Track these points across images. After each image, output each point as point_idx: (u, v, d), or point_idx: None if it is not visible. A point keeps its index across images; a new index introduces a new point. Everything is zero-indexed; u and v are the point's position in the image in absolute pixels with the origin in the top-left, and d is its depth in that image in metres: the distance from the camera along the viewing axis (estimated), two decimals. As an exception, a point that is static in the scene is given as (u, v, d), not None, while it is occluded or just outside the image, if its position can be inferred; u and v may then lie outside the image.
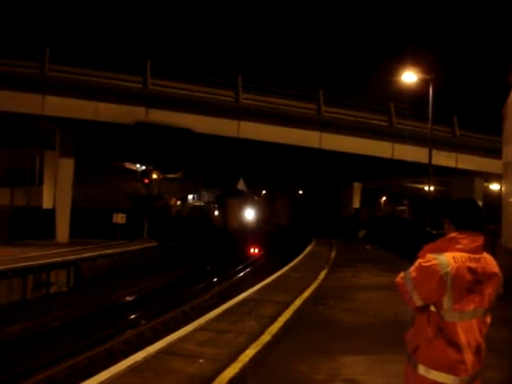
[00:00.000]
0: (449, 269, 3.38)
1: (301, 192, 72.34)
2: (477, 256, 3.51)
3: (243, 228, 44.34)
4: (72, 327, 14.66)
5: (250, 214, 61.37)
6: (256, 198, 53.55)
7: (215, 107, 30.13)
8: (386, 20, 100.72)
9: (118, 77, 28.53)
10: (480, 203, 3.92)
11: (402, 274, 3.55)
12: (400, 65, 25.74)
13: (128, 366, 7.89)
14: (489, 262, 3.56)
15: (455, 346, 3.42)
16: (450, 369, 3.41)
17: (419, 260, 3.51)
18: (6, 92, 26.13)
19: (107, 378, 7.34)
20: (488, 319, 3.59)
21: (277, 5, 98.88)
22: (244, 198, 63.93)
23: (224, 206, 61.31)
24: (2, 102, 26.04)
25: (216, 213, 64.70)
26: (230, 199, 61.50)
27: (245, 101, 30.67)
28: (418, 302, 3.45)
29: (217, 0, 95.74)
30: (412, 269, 3.51)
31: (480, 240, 3.56)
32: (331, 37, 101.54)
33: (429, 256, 3.49)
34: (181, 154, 40.50)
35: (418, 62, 26.11)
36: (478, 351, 3.49)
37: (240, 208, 60.88)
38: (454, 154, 34.95)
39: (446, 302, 3.40)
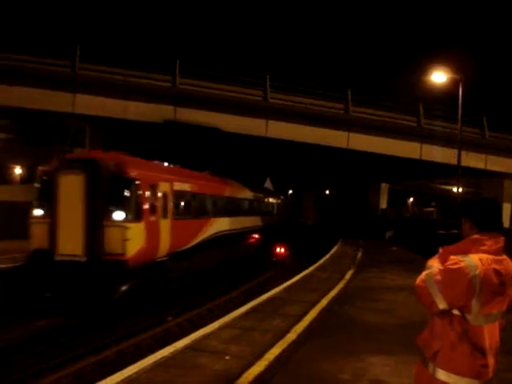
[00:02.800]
0: (477, 271, 3.32)
1: (327, 192, 72.13)
2: (499, 258, 3.47)
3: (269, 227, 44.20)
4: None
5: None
6: (282, 197, 53.37)
7: (243, 106, 30.22)
8: (417, 19, 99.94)
9: (147, 76, 28.76)
10: (510, 205, 3.90)
11: (422, 277, 3.48)
12: (429, 65, 25.56)
13: (155, 362, 8.01)
14: (510, 263, 3.52)
15: (480, 349, 3.38)
16: (474, 373, 3.37)
17: (446, 263, 3.42)
18: (38, 90, 26.54)
19: (135, 373, 7.45)
20: (503, 321, 3.56)
21: (306, 5, 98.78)
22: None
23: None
24: (33, 101, 26.47)
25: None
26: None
27: (273, 100, 30.68)
28: (442, 306, 3.38)
29: (246, 1, 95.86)
30: (436, 271, 3.43)
31: (501, 241, 3.52)
32: (360, 36, 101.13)
33: (455, 258, 3.41)
34: (208, 152, 40.67)
35: (447, 61, 25.93)
36: (496, 354, 3.48)
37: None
38: (483, 156, 34.54)
39: (475, 305, 3.34)
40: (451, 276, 3.35)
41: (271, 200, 44.40)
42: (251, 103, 30.43)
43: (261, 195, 39.82)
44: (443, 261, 3.49)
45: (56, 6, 76.18)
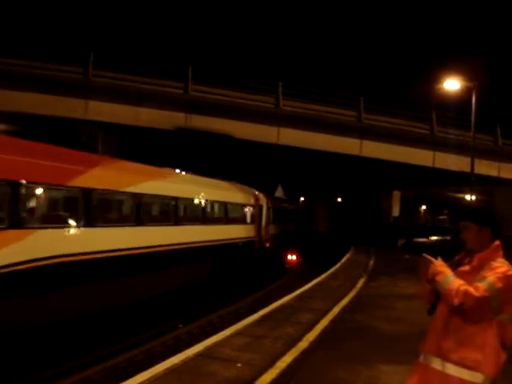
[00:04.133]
0: None
1: (339, 200, 71.92)
2: None
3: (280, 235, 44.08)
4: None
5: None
6: (294, 205, 53.31)
7: (255, 113, 30.25)
8: (430, 27, 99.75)
9: (159, 82, 28.88)
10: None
11: (484, 287, 3.46)
12: (443, 72, 25.52)
13: (166, 368, 7.97)
14: None
15: (505, 347, 3.54)
16: (498, 371, 3.53)
17: (502, 270, 3.52)
18: (51, 97, 26.71)
19: (146, 379, 7.42)
20: None
21: (319, 12, 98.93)
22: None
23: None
24: (46, 107, 26.63)
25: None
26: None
27: (285, 107, 30.70)
28: (496, 312, 3.48)
29: (258, 7, 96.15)
30: (495, 280, 3.47)
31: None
32: (373, 44, 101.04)
33: (502, 264, 3.57)
34: (219, 159, 40.71)
35: (461, 69, 25.86)
36: None
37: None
38: (496, 164, 34.36)
39: None
40: (509, 282, 3.49)
41: (283, 207, 44.30)
42: (263, 110, 30.46)
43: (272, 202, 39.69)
44: (477, 267, 3.61)
45: (70, 12, 76.78)
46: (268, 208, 31.39)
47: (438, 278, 3.57)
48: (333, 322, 12.00)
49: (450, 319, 3.59)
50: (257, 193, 29.38)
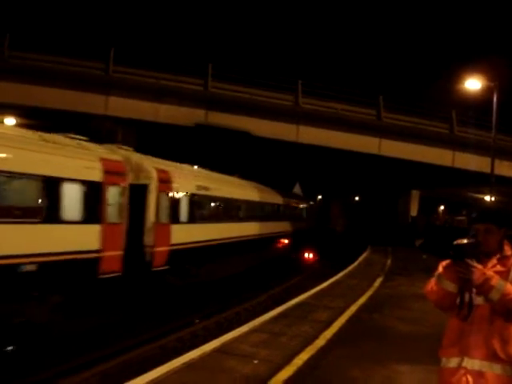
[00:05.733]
0: None
1: (357, 198, 71.69)
2: None
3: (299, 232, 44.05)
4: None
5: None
6: (312, 202, 53.20)
7: (275, 111, 30.21)
8: (453, 27, 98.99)
9: (179, 79, 28.96)
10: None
11: None
12: (464, 72, 25.35)
13: (183, 363, 8.02)
14: None
15: None
16: None
17: None
18: (71, 92, 26.90)
19: (163, 374, 7.48)
20: None
21: (339, 10, 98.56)
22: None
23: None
24: (67, 102, 26.82)
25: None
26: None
27: (304, 105, 30.64)
28: None
29: (279, 5, 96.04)
30: None
31: None
32: (395, 43, 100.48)
33: None
34: (238, 156, 40.73)
35: (482, 69, 25.63)
36: None
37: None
38: (517, 164, 34.00)
39: None
40: None
41: (301, 205, 44.25)
42: (282, 108, 30.43)
43: (290, 200, 39.66)
44: (505, 264, 3.72)
45: (91, 9, 77.24)
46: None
47: (494, 283, 3.55)
48: (350, 320, 11.99)
49: (493, 320, 3.63)
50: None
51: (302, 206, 44.69)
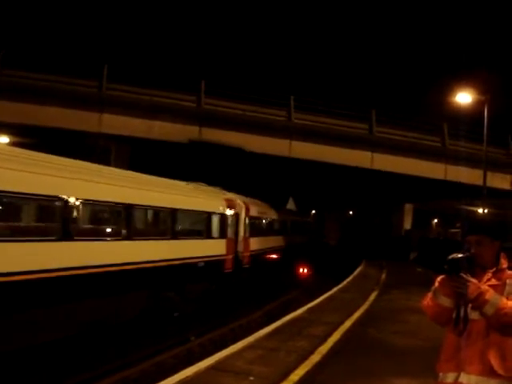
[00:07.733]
0: None
1: (351, 213, 71.79)
2: None
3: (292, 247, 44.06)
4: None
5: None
6: (306, 218, 53.33)
7: (267, 126, 30.34)
8: (442, 40, 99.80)
9: (172, 96, 29.08)
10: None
11: None
12: (455, 85, 25.54)
13: (179, 381, 7.99)
14: None
15: None
16: None
17: None
18: (65, 110, 26.95)
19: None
20: None
21: (330, 26, 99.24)
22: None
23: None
24: (60, 120, 26.86)
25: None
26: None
27: (297, 120, 30.78)
28: None
29: (271, 22, 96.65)
30: None
31: None
32: (385, 57, 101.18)
33: None
34: (231, 172, 40.78)
35: (473, 82, 25.83)
36: None
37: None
38: (509, 176, 34.18)
39: None
40: None
41: (295, 220, 44.19)
42: (275, 123, 30.56)
43: (285, 216, 39.61)
44: (500, 278, 3.69)
45: (84, 26, 77.54)
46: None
47: (488, 297, 3.52)
48: (345, 335, 11.98)
49: (489, 334, 3.59)
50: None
51: (296, 220, 44.65)
